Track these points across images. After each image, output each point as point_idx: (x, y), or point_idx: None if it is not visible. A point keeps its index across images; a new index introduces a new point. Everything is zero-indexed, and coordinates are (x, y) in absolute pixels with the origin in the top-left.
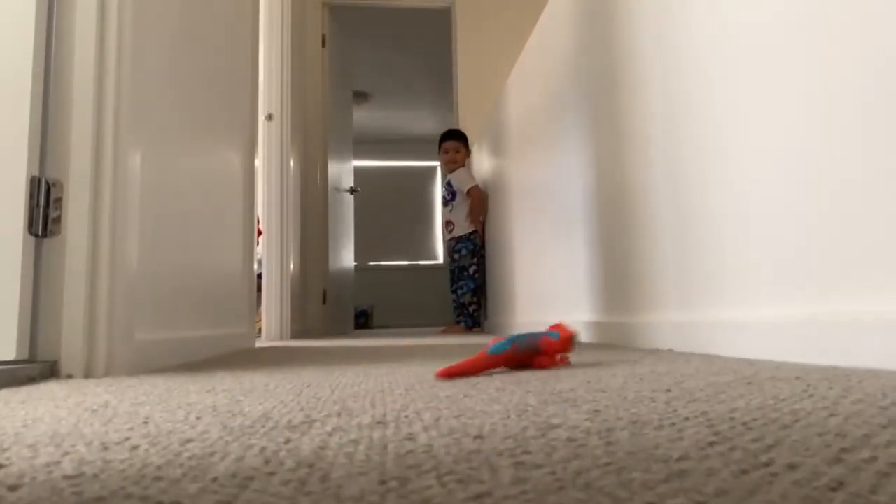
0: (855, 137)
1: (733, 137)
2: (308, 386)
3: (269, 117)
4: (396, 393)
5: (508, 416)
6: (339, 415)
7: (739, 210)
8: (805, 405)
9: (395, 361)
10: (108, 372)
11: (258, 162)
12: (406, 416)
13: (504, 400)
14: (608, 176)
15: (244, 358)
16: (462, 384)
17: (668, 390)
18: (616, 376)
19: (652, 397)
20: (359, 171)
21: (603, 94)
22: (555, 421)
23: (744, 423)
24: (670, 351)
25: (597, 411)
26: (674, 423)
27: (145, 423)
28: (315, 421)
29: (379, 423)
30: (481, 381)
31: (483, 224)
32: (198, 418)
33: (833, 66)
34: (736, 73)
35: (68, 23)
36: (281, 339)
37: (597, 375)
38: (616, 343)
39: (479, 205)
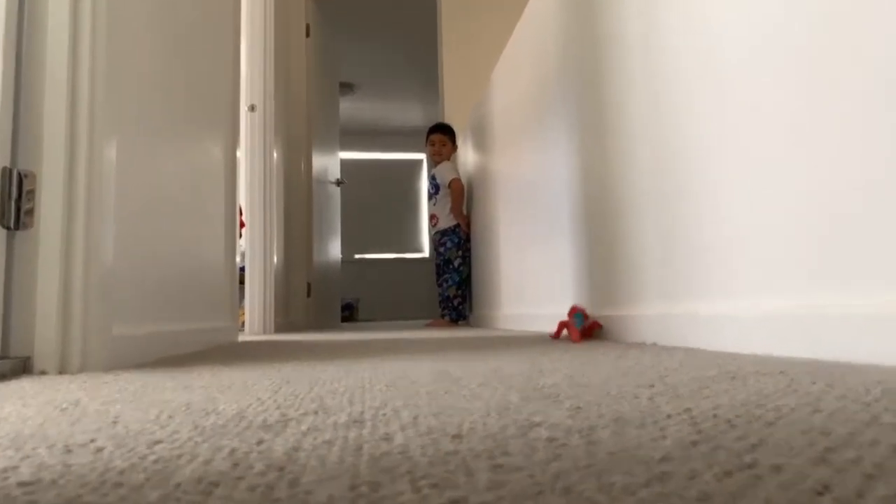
0: (842, 126)
1: (717, 127)
2: (287, 382)
3: (252, 108)
4: (376, 389)
5: (489, 414)
6: (315, 413)
7: (722, 201)
8: (789, 401)
9: (378, 356)
10: (84, 368)
11: (241, 153)
12: (384, 415)
13: (485, 396)
14: (593, 168)
15: (226, 353)
16: (444, 381)
17: (652, 385)
18: (599, 371)
19: (635, 393)
20: (345, 164)
21: (589, 86)
22: (536, 419)
23: (727, 421)
24: (654, 345)
25: (578, 408)
26: (656, 421)
27: (114, 422)
28: (290, 420)
29: (356, 421)
30: (464, 377)
31: (468, 217)
32: (170, 417)
33: (825, 57)
34: (721, 64)
35: (41, 6)
36: (264, 332)
37: (580, 370)
38: (600, 336)
39: (457, 197)
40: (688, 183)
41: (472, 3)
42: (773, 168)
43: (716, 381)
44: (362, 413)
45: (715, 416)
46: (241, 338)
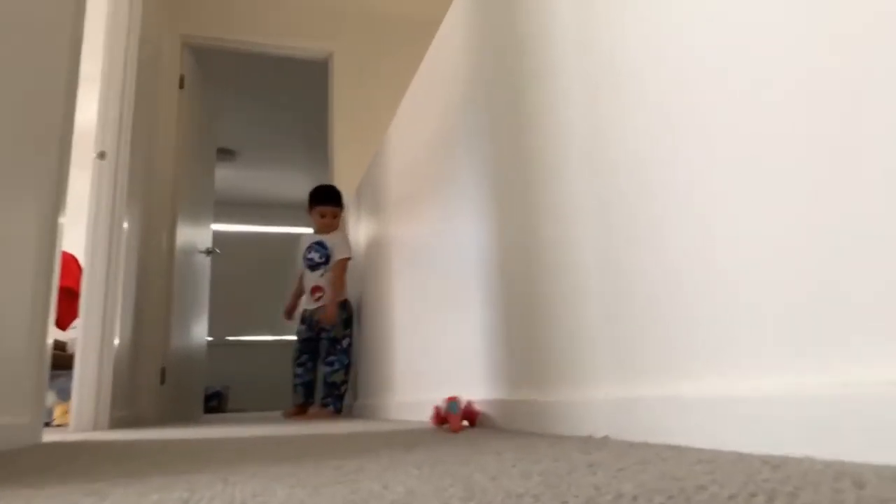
0: (867, 150)
1: (693, 145)
2: None
3: (102, 156)
4: None
5: None
6: None
7: (703, 240)
8: None
9: (214, 471)
10: None
11: (84, 209)
12: None
13: None
14: (512, 223)
15: None
16: None
17: None
18: None
19: None
20: (220, 237)
21: (504, 129)
22: None
23: None
24: (606, 438)
25: None
26: None
27: None
28: None
29: None
30: None
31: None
32: None
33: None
34: (696, 68)
35: None
36: (95, 428)
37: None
38: (526, 428)
39: (341, 274)
40: (647, 219)
41: (367, 64)
42: (781, 185)
43: None
44: None
45: None
46: (61, 436)
